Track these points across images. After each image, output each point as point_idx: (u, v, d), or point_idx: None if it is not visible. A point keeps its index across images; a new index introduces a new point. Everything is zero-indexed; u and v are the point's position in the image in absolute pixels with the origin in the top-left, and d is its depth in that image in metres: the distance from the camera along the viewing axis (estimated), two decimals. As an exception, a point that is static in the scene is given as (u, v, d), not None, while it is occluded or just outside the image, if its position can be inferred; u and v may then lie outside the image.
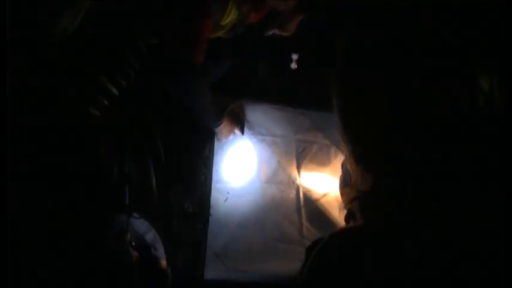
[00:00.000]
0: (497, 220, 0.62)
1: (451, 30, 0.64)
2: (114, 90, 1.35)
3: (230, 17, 1.49)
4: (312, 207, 1.84)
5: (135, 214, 1.33)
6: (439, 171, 0.63)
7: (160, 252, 1.44)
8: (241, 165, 1.89)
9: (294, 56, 1.93)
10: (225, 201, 1.77)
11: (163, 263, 1.27)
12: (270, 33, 1.74)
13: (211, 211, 1.73)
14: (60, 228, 1.05)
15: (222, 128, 1.82)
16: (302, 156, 1.98)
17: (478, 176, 0.64)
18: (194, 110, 1.66)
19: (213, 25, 1.44)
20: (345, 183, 0.95)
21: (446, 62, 0.64)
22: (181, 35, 1.41)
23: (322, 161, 1.98)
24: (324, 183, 1.92)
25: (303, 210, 1.83)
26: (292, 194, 1.86)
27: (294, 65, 1.95)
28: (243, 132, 1.94)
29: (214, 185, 1.80)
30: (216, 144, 1.91)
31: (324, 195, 1.88)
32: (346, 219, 0.96)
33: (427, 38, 0.64)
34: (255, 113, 2.06)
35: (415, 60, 0.65)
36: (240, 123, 1.94)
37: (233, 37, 1.64)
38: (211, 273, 1.59)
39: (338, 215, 1.80)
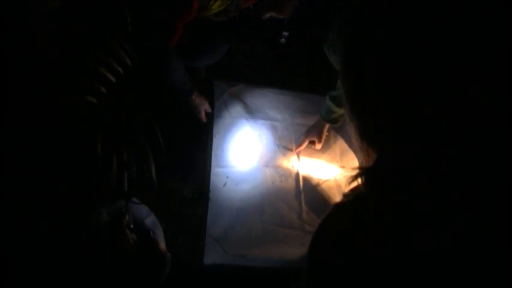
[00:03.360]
0: (501, 199, 0.63)
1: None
2: (111, 77, 1.35)
3: (219, 2, 1.48)
4: (311, 192, 1.84)
5: (134, 199, 1.33)
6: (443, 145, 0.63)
7: (160, 236, 1.44)
8: (240, 150, 1.88)
9: (285, 33, 1.89)
10: (224, 185, 1.76)
11: (163, 246, 1.27)
12: (267, 16, 1.71)
13: (211, 196, 1.72)
14: (58, 214, 1.06)
15: (195, 100, 1.83)
16: (302, 140, 1.96)
17: (483, 156, 0.64)
18: (171, 81, 1.70)
19: (196, 9, 1.44)
20: None
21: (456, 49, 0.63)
22: (160, 23, 1.49)
23: (322, 146, 1.96)
24: (323, 167, 1.91)
25: (302, 195, 1.82)
26: (292, 178, 1.86)
27: (283, 41, 1.92)
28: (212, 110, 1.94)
29: (214, 170, 1.79)
30: (215, 129, 1.89)
31: (325, 181, 1.87)
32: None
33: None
34: (254, 97, 2.04)
35: (425, 42, 0.64)
36: (207, 99, 1.93)
37: (229, 20, 1.62)
38: (210, 258, 1.59)
39: (338, 200, 1.79)
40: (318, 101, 2.04)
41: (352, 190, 0.74)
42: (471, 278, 0.61)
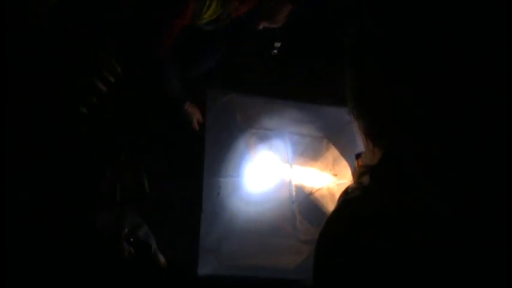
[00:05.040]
0: (501, 199, 0.63)
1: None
2: (102, 87, 1.33)
3: (210, 11, 1.48)
4: (304, 201, 1.83)
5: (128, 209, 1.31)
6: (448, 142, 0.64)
7: (153, 247, 1.43)
8: (233, 159, 1.86)
9: (277, 44, 1.90)
10: (217, 195, 1.74)
11: (163, 260, 1.25)
12: (260, 26, 1.72)
13: (203, 206, 1.70)
14: (53, 227, 1.04)
15: (188, 110, 1.83)
16: (294, 149, 1.96)
17: (489, 148, 0.65)
18: (165, 90, 1.70)
19: (189, 17, 1.45)
20: None
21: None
22: (151, 32, 1.51)
23: (314, 154, 1.96)
24: (316, 176, 1.91)
25: (296, 204, 1.81)
26: (285, 187, 1.85)
27: (275, 52, 1.93)
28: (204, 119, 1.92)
29: (206, 180, 1.76)
30: (207, 138, 1.88)
31: (318, 190, 1.87)
32: None
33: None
34: (247, 107, 2.02)
35: (431, 40, 0.65)
36: (199, 109, 1.92)
37: (221, 29, 1.62)
38: (205, 269, 1.56)
39: (332, 209, 1.78)
40: (312, 110, 2.05)
41: (357, 185, 0.74)
42: (471, 276, 0.61)
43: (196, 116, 1.85)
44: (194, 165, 1.80)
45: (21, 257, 0.98)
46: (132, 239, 1.18)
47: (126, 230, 1.16)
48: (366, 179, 0.71)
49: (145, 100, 1.62)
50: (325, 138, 2.00)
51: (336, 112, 2.06)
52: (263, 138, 1.96)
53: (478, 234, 0.62)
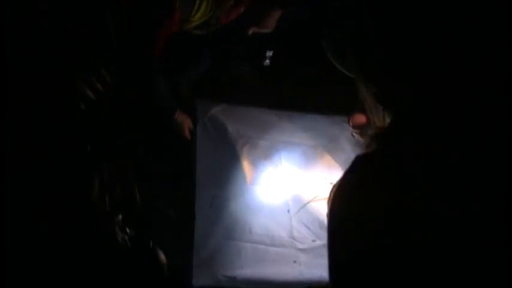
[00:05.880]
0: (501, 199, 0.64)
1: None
2: (91, 94, 1.30)
3: (200, 13, 1.47)
4: (301, 209, 1.78)
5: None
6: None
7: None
8: (226, 169, 1.82)
9: (269, 53, 1.88)
10: (210, 206, 1.69)
11: (163, 257, 1.21)
12: (250, 32, 1.71)
13: (196, 216, 1.64)
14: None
15: (178, 118, 1.79)
16: (288, 158, 1.92)
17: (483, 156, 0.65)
18: (155, 97, 1.67)
19: (177, 22, 1.43)
20: None
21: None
22: (142, 33, 1.48)
23: (308, 163, 1.92)
24: (311, 184, 1.86)
25: (292, 212, 1.76)
26: (280, 196, 1.80)
27: (267, 62, 1.91)
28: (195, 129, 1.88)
29: (199, 189, 1.72)
30: (198, 148, 1.83)
31: (314, 197, 1.82)
32: None
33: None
34: (238, 117, 2.00)
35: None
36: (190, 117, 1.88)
37: (210, 34, 1.61)
38: (200, 280, 1.50)
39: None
40: (304, 120, 2.04)
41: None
42: (471, 276, 0.61)
43: (187, 125, 1.81)
44: (186, 174, 1.75)
45: (21, 257, 0.98)
46: (127, 230, 1.13)
47: (120, 217, 1.11)
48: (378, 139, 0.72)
49: (135, 106, 1.58)
50: (319, 146, 1.96)
51: (329, 121, 2.05)
52: (256, 148, 1.92)
53: (478, 234, 0.62)
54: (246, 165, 1.85)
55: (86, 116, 1.26)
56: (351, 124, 1.79)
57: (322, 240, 1.69)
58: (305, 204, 1.78)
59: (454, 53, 0.64)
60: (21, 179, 1.01)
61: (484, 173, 0.63)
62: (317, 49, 1.91)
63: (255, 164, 1.87)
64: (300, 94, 2.09)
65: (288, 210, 1.76)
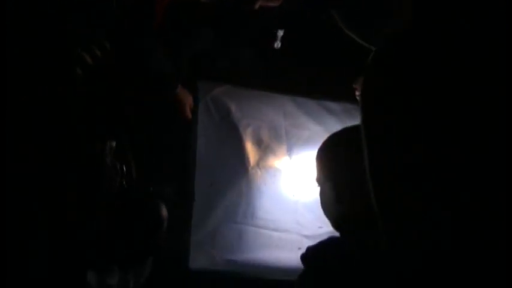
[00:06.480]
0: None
1: None
2: (89, 60, 1.23)
3: None
4: (307, 193, 1.67)
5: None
6: None
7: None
8: (227, 151, 1.72)
9: (280, 33, 1.76)
10: (210, 186, 1.58)
11: (165, 212, 1.20)
12: (256, 6, 1.61)
13: (195, 197, 1.53)
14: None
15: (179, 94, 1.67)
16: (293, 141, 1.82)
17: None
18: (154, 72, 1.56)
19: None
20: None
21: None
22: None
23: (314, 147, 1.81)
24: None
25: (297, 196, 1.66)
26: (285, 179, 1.70)
27: (277, 44, 1.78)
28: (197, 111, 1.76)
29: (199, 170, 1.61)
30: (200, 129, 1.73)
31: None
32: None
33: None
34: (241, 99, 1.90)
35: None
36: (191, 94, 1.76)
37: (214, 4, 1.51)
38: (197, 262, 1.41)
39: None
40: (309, 104, 1.94)
41: None
42: (471, 276, 0.59)
43: (188, 101, 1.70)
44: (185, 154, 1.65)
45: (21, 257, 0.97)
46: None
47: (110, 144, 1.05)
48: None
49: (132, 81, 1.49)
50: (325, 131, 1.86)
51: (335, 106, 1.96)
52: (259, 130, 1.82)
53: (478, 234, 0.59)
54: (249, 147, 1.75)
55: (83, 84, 1.19)
56: (357, 87, 1.68)
57: (329, 227, 1.60)
58: (312, 187, 1.68)
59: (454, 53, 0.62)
60: (26, 172, 1.02)
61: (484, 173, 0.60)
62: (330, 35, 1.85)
63: (258, 146, 1.77)
64: (304, 78, 1.99)
65: (293, 194, 1.66)
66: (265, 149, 1.77)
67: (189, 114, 1.71)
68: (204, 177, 1.60)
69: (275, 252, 1.51)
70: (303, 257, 0.94)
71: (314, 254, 0.94)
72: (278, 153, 1.77)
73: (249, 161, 1.71)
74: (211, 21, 1.72)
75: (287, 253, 1.51)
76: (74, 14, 1.20)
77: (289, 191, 1.67)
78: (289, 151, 1.78)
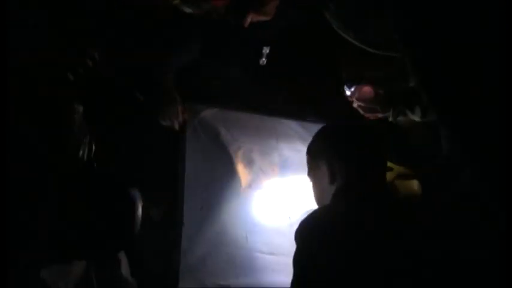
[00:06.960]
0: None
1: None
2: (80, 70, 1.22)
3: None
4: (301, 216, 1.59)
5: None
6: None
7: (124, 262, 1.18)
8: (218, 173, 1.64)
9: (265, 50, 1.72)
10: (201, 209, 1.50)
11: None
12: (247, 20, 1.58)
13: (184, 220, 1.44)
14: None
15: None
16: (287, 164, 1.76)
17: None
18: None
19: None
20: None
21: None
22: None
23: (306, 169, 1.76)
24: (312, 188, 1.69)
25: (291, 218, 1.58)
26: (278, 200, 1.63)
27: (263, 61, 1.74)
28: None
29: (188, 192, 1.53)
30: (189, 149, 1.66)
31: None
32: None
33: None
34: (230, 122, 1.84)
35: None
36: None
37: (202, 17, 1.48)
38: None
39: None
40: (300, 127, 1.90)
41: None
42: (471, 276, 0.62)
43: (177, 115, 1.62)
44: (173, 174, 1.57)
45: (21, 256, 0.97)
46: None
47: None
48: None
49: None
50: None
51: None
52: (251, 153, 1.76)
53: (478, 234, 0.62)
54: (240, 169, 1.68)
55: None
56: (356, 95, 1.62)
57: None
58: (306, 210, 1.60)
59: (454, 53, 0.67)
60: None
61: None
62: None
63: (251, 168, 1.70)
64: (295, 101, 1.96)
65: (288, 216, 1.58)
66: (257, 170, 1.70)
67: (176, 125, 1.63)
68: (195, 201, 1.52)
69: (271, 276, 1.42)
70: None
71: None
72: (271, 175, 1.70)
73: (241, 183, 1.64)
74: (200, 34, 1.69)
75: (283, 277, 1.41)
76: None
77: (283, 212, 1.59)
78: (282, 172, 1.72)
